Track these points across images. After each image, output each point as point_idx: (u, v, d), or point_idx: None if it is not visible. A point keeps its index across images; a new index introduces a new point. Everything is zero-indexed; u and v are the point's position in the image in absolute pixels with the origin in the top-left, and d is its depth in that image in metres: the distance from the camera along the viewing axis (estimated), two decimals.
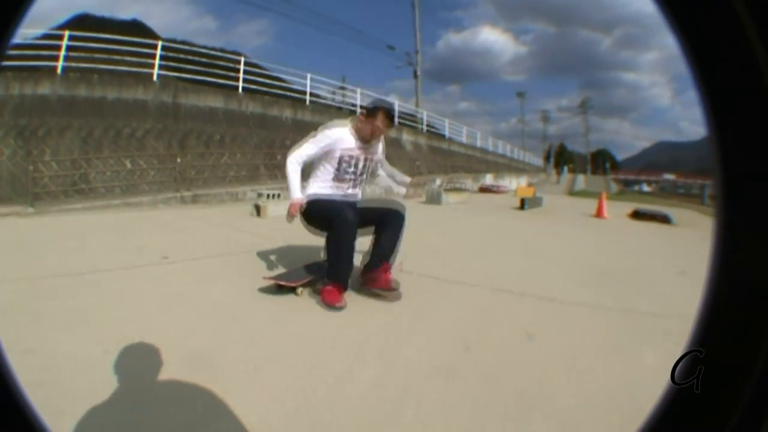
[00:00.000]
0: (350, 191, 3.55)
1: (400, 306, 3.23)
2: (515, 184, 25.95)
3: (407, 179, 4.35)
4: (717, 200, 0.43)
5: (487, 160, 32.82)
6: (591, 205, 12.55)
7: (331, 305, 3.10)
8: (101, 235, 6.10)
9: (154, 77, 13.56)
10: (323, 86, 19.40)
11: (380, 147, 3.73)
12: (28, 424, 0.49)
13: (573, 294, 3.70)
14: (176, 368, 2.05)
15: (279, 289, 3.37)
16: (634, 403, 1.65)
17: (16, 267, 4.00)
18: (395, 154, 20.79)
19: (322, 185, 3.49)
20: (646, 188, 57.71)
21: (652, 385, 1.29)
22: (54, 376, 1.90)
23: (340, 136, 3.45)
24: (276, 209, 7.95)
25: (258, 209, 8.53)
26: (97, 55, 13.03)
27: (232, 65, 16.01)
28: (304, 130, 16.40)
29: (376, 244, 3.47)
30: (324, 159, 3.45)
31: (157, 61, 13.66)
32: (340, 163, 3.43)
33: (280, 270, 3.97)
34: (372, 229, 3.49)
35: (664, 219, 10.42)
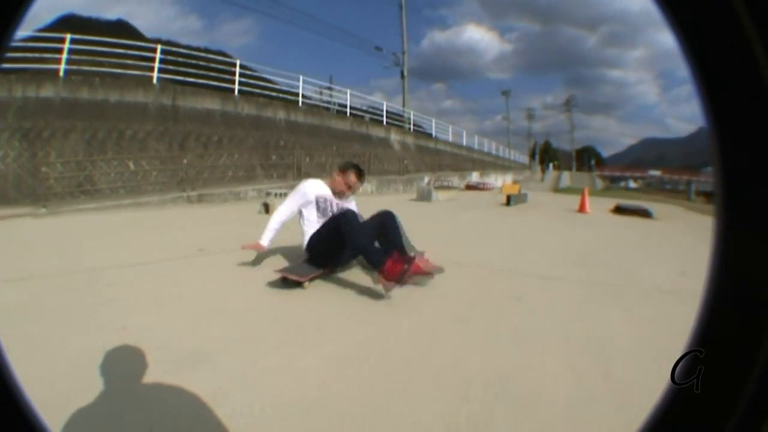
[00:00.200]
0: None
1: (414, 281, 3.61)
2: (501, 181, 26.05)
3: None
4: (717, 200, 0.42)
5: (473, 158, 32.70)
6: (575, 201, 12.66)
7: (397, 276, 3.17)
8: (133, 232, 6.44)
9: (154, 80, 13.43)
10: (310, 87, 19.19)
11: (353, 203, 4.15)
12: (28, 424, 0.47)
13: (553, 271, 4.28)
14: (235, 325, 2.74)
15: (284, 282, 3.45)
16: (592, 333, 2.66)
17: (73, 262, 4.27)
18: (384, 153, 20.82)
19: (313, 224, 3.81)
20: (632, 184, 57.34)
21: (604, 325, 2.76)
22: (147, 344, 2.26)
23: (313, 185, 3.92)
24: None
25: (267, 207, 8.79)
26: (97, 58, 12.91)
27: (228, 68, 15.91)
28: (297, 131, 16.36)
29: (384, 241, 3.75)
30: (305, 208, 3.85)
31: (156, 65, 13.54)
32: (317, 204, 3.83)
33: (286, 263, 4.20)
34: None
35: (645, 213, 10.52)
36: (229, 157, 13.57)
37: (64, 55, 11.84)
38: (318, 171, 15.14)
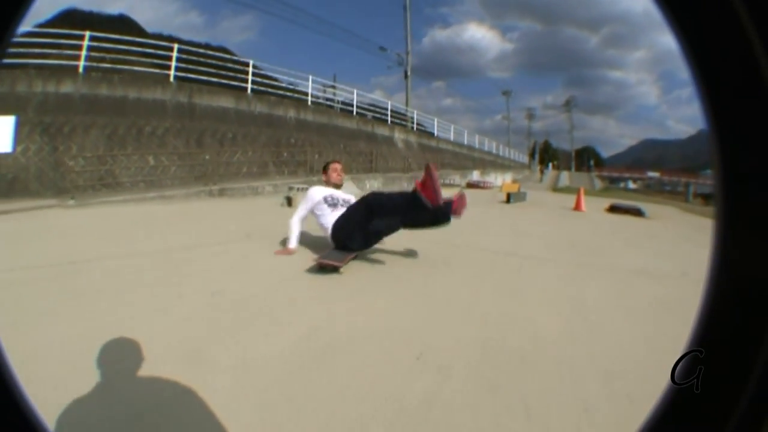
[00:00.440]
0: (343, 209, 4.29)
1: (433, 258, 4.39)
2: (501, 180, 25.96)
3: None
4: (717, 200, 0.40)
5: (473, 157, 32.31)
6: (572, 200, 12.68)
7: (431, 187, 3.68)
8: (177, 221, 6.86)
9: (171, 78, 13.43)
10: (315, 85, 19.01)
11: (351, 197, 4.53)
12: (28, 424, 0.46)
13: (546, 255, 4.97)
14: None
15: (320, 269, 3.68)
16: (574, 294, 3.37)
17: (141, 246, 4.71)
18: (389, 151, 20.76)
19: (328, 216, 4.26)
20: (632, 185, 55.91)
21: (583, 290, 3.48)
22: (245, 305, 2.83)
23: (317, 190, 4.43)
24: None
25: (289, 201, 9.15)
26: (113, 56, 12.93)
27: (241, 67, 15.90)
28: (306, 129, 16.30)
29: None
30: (316, 207, 4.34)
31: (173, 63, 13.54)
32: (325, 200, 4.32)
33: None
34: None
35: (637, 212, 10.54)
36: (243, 153, 13.58)
37: (83, 52, 11.82)
38: None
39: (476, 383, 1.88)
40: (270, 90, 16.61)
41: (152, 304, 2.77)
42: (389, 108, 23.00)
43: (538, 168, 53.83)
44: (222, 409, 1.60)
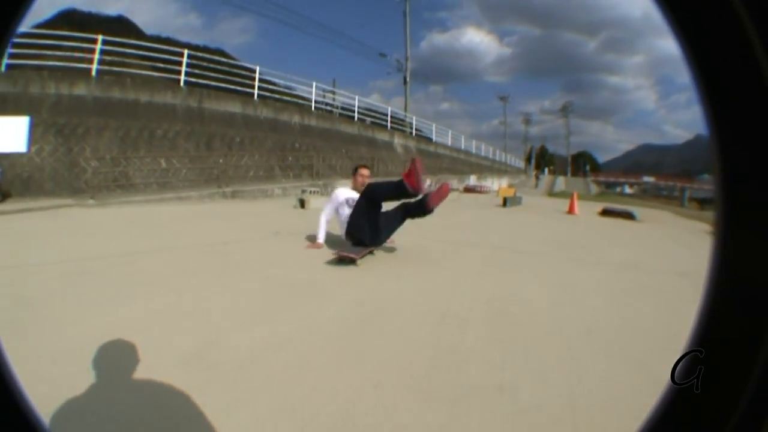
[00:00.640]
0: None
1: (440, 253, 4.95)
2: (497, 184, 25.92)
3: None
4: (717, 200, 0.39)
5: (470, 162, 32.16)
6: (566, 204, 12.70)
7: (414, 177, 4.23)
8: (203, 220, 7.09)
9: (181, 83, 13.45)
10: (317, 91, 18.90)
11: None
12: (28, 424, 0.44)
13: (539, 250, 5.47)
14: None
15: (339, 261, 4.07)
16: (563, 280, 3.94)
17: (178, 241, 5.02)
18: (388, 156, 20.73)
19: (347, 216, 4.69)
20: (628, 190, 54.77)
21: (571, 277, 4.10)
22: (295, 285, 3.39)
23: (342, 191, 4.94)
24: (316, 203, 8.88)
25: (302, 203, 9.33)
26: (127, 60, 12.93)
27: (247, 73, 15.91)
28: (310, 135, 16.21)
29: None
30: (339, 208, 4.84)
31: (183, 68, 13.56)
32: (347, 202, 4.78)
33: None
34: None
35: (629, 216, 10.54)
36: (251, 157, 13.57)
37: (96, 56, 11.82)
38: (329, 172, 15.13)
39: (487, 336, 2.51)
40: (275, 96, 16.58)
41: (216, 284, 3.29)
42: (389, 114, 22.96)
43: (533, 174, 53.27)
44: (299, 357, 2.12)
